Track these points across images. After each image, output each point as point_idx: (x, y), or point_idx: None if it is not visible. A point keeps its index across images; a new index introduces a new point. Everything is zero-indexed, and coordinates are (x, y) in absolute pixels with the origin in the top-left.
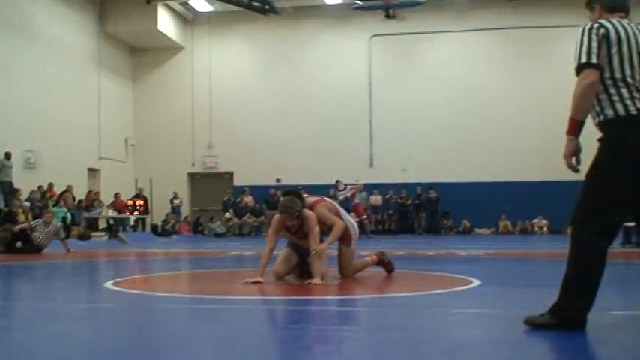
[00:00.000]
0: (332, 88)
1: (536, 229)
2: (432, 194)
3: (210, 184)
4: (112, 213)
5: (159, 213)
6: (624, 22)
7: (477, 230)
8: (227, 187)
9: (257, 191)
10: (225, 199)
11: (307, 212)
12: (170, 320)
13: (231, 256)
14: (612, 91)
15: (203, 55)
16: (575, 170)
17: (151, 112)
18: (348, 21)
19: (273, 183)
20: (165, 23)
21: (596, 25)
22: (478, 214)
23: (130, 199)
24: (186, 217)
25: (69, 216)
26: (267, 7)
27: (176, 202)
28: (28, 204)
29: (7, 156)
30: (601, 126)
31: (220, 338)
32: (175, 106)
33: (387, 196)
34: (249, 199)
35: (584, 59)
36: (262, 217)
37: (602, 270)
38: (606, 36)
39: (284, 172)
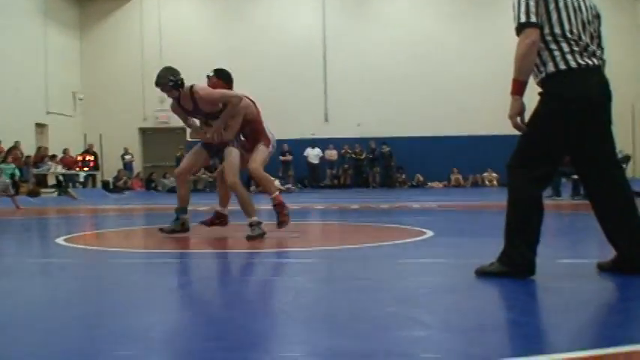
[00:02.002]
0: (286, 43)
1: (487, 182)
2: (385, 149)
3: (162, 140)
4: (61, 169)
5: (110, 169)
6: None
7: (429, 184)
8: (180, 143)
9: None
10: (178, 154)
11: (203, 88)
12: (122, 274)
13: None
14: (553, 46)
15: (153, 7)
16: (521, 129)
17: (100, 64)
18: None
19: None
20: None
21: None
22: (431, 169)
23: (80, 155)
24: (138, 173)
25: (17, 172)
26: None
27: (127, 157)
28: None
29: None
30: (542, 82)
31: (171, 291)
32: (125, 59)
33: (342, 151)
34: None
35: (523, 19)
36: (215, 173)
37: (541, 215)
38: None
39: None
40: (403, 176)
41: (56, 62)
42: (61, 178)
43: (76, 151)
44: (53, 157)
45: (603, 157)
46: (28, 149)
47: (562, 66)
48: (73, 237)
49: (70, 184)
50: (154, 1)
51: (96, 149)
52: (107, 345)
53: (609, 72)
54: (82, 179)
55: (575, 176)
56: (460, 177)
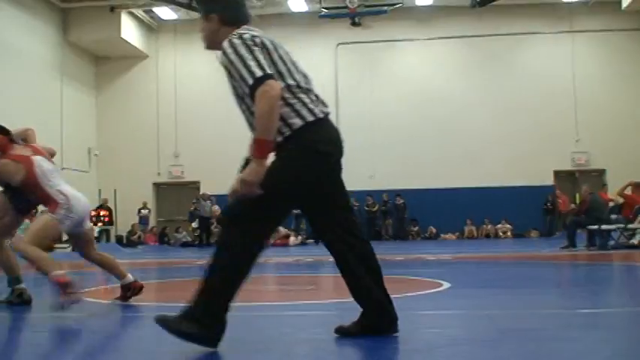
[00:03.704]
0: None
1: (501, 233)
2: (399, 201)
3: (176, 194)
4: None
5: (124, 223)
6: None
7: (443, 236)
8: (193, 197)
9: (224, 200)
10: (192, 208)
11: None
12: (136, 328)
13: (197, 266)
14: (293, 100)
15: (168, 64)
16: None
17: (115, 121)
18: (313, 29)
19: None
20: (130, 31)
21: (247, 36)
22: (444, 220)
23: (94, 210)
24: (152, 228)
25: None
26: None
27: (144, 211)
28: None
29: None
30: (287, 138)
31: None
32: (140, 115)
33: (354, 204)
34: (215, 208)
35: (259, 73)
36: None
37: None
38: (264, 44)
39: None
40: (416, 228)
41: (72, 119)
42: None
43: (90, 207)
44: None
45: (348, 206)
46: None
47: (310, 117)
48: (90, 291)
49: None
50: (169, 57)
51: (110, 204)
52: None
53: None
54: (96, 234)
55: (591, 227)
56: (473, 228)
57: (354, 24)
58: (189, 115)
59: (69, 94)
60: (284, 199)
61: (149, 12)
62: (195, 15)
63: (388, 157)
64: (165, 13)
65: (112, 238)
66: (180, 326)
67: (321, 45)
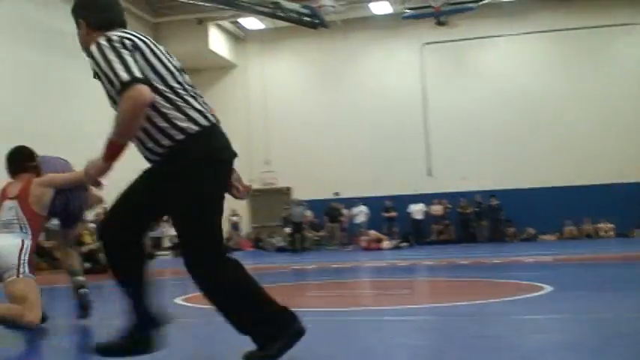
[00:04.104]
0: (386, 99)
1: (602, 233)
2: (494, 201)
3: (269, 200)
4: (173, 232)
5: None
6: (136, 32)
7: (541, 237)
8: (286, 202)
9: (316, 205)
10: (284, 214)
11: None
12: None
13: (292, 270)
14: (181, 103)
15: (256, 72)
16: (98, 185)
17: None
18: (398, 30)
19: (331, 197)
20: (218, 42)
21: (116, 37)
22: (541, 220)
23: None
24: (248, 234)
25: None
26: (317, 21)
27: (234, 218)
28: (93, 225)
29: None
30: (181, 144)
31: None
32: (231, 124)
33: (446, 206)
34: (307, 213)
35: (125, 77)
36: (322, 231)
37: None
38: (136, 46)
39: (342, 185)
40: (512, 229)
41: None
42: (174, 240)
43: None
44: (167, 220)
45: None
46: None
47: (204, 122)
48: (192, 297)
49: None
50: (257, 66)
51: None
52: None
53: None
54: None
55: None
56: (574, 228)
57: (439, 23)
58: (279, 122)
59: None
60: (213, 208)
61: (235, 23)
62: (281, 23)
63: (480, 157)
64: (252, 23)
65: None
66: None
67: (405, 46)
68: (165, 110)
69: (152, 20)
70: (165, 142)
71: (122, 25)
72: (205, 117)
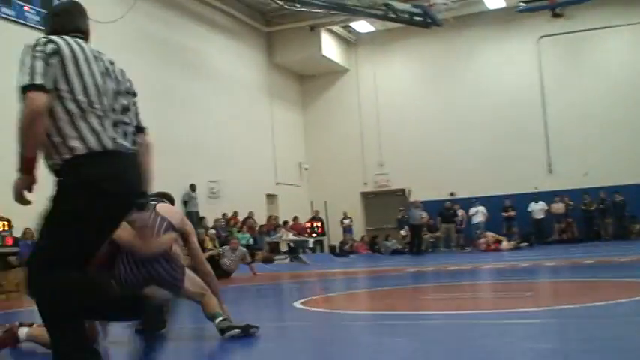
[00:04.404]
0: (501, 95)
1: None
2: (618, 198)
3: (383, 202)
4: (291, 236)
5: (335, 234)
6: (80, 41)
7: None
8: (400, 204)
9: (431, 206)
10: (399, 216)
11: None
12: (359, 336)
13: (409, 273)
14: (79, 120)
15: (368, 75)
16: (26, 203)
17: (321, 135)
18: (512, 25)
19: (446, 197)
20: (330, 48)
21: (42, 41)
22: None
23: (308, 222)
24: (362, 237)
25: (251, 241)
26: (428, 20)
27: (346, 221)
28: (213, 232)
29: (193, 188)
30: (67, 163)
31: (405, 354)
32: (344, 128)
33: (568, 203)
34: (424, 215)
35: (27, 80)
36: (438, 232)
37: None
38: (58, 52)
39: (457, 185)
40: (637, 226)
41: (282, 136)
42: (292, 244)
43: (304, 219)
44: (285, 223)
45: None
46: (260, 219)
47: (96, 147)
48: (309, 300)
49: (301, 250)
50: (369, 69)
51: (322, 215)
52: None
53: None
54: (310, 245)
55: None
56: None
57: (555, 15)
58: (391, 124)
59: (278, 114)
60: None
61: (347, 27)
62: (392, 25)
63: (602, 152)
64: (363, 26)
65: (326, 248)
66: None
67: (521, 41)
68: (61, 124)
69: (265, 30)
70: (56, 159)
71: (76, 30)
72: (100, 141)
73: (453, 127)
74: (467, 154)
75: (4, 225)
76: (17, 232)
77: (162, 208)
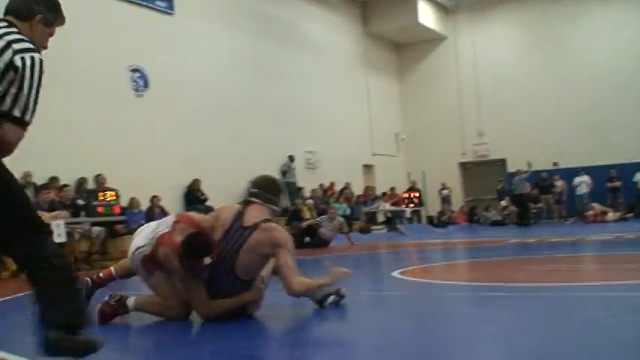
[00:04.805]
0: (606, 61)
1: None
2: None
3: (482, 172)
4: (388, 206)
5: (433, 204)
6: None
7: None
8: (500, 174)
9: (532, 177)
10: (499, 187)
11: None
12: (458, 307)
13: (510, 245)
14: None
15: (466, 42)
16: None
17: (418, 105)
18: None
19: (549, 167)
20: (426, 15)
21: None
22: None
23: (405, 192)
24: (461, 207)
25: (348, 211)
26: None
27: (444, 192)
28: (311, 202)
29: (291, 158)
30: None
31: (505, 324)
32: (442, 97)
33: None
34: (527, 185)
35: (26, 118)
36: (540, 204)
37: None
38: None
39: (560, 154)
40: None
41: (379, 106)
42: (389, 215)
43: (400, 189)
44: (384, 194)
45: None
46: (357, 189)
47: None
48: (406, 270)
49: (398, 221)
50: (467, 36)
51: (419, 186)
52: None
53: None
54: (408, 215)
55: None
56: None
57: None
58: (491, 93)
59: (374, 83)
60: None
61: None
62: None
63: None
64: None
65: (423, 219)
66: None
67: (627, 3)
68: None
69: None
70: None
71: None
72: None
73: (554, 95)
74: (570, 122)
75: (111, 195)
76: (124, 202)
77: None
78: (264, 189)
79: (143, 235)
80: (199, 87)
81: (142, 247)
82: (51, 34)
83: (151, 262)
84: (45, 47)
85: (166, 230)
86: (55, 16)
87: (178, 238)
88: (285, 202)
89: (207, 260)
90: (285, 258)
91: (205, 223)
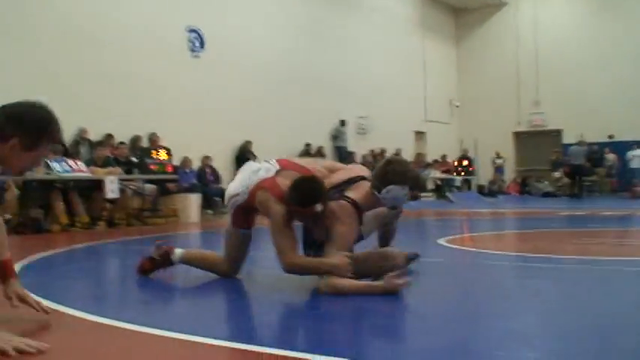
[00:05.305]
0: None
1: None
2: None
3: (536, 143)
4: (439, 174)
5: (484, 173)
6: None
7: None
8: (555, 145)
9: (586, 150)
10: (554, 157)
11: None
12: (502, 277)
13: (560, 217)
14: None
15: (527, 9)
16: None
17: (474, 72)
18: None
19: (605, 139)
20: None
21: None
22: None
23: (456, 160)
24: (514, 178)
25: None
26: None
27: (498, 161)
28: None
29: (342, 123)
30: None
31: (552, 296)
32: (499, 64)
33: None
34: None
35: None
36: (594, 176)
37: None
38: None
39: (616, 127)
40: None
41: (434, 72)
42: (439, 182)
43: (452, 157)
44: (435, 162)
45: None
46: (408, 156)
47: None
48: (453, 238)
49: (448, 188)
50: (528, 2)
51: (471, 154)
52: (486, 344)
53: None
54: (458, 184)
55: None
56: None
57: None
58: (550, 62)
59: (431, 48)
60: None
61: None
62: None
63: None
64: None
65: (474, 188)
66: None
67: None
68: None
69: None
70: None
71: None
72: None
73: (614, 66)
74: (627, 94)
75: (164, 153)
76: (176, 161)
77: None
78: (377, 178)
79: (238, 182)
80: (254, 49)
81: (236, 195)
82: (38, 156)
83: (243, 214)
84: (27, 169)
85: (267, 176)
86: (36, 141)
87: (285, 183)
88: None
89: (319, 207)
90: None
91: (316, 172)
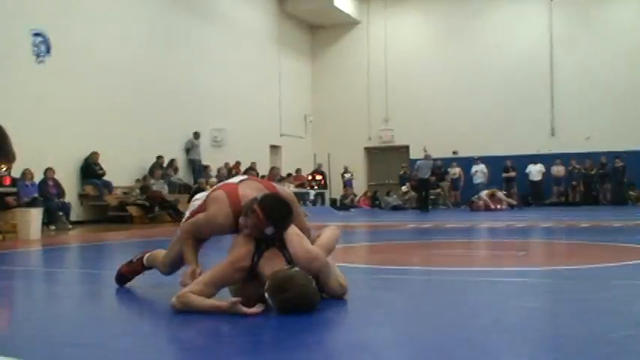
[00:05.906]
0: (509, 56)
1: None
2: (619, 163)
3: (386, 158)
4: (293, 187)
5: (337, 187)
6: None
7: None
8: (403, 160)
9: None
10: (402, 172)
11: None
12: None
13: (408, 229)
14: None
15: (379, 29)
16: None
17: (328, 88)
18: None
19: (450, 155)
20: None
21: None
22: None
23: (310, 174)
24: (365, 192)
25: None
26: None
27: (347, 175)
28: (215, 180)
29: (196, 135)
30: None
31: (396, 307)
32: (352, 81)
33: (569, 167)
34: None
35: None
36: (439, 190)
37: None
38: None
39: (461, 143)
40: (637, 192)
41: (289, 87)
42: None
43: (306, 171)
44: (289, 175)
45: None
46: (263, 169)
47: None
48: None
49: (301, 202)
50: (380, 22)
51: (325, 169)
52: None
53: None
54: (312, 197)
55: None
56: None
57: None
58: (399, 81)
59: (287, 63)
60: None
61: None
62: None
63: (606, 118)
64: None
65: (327, 201)
66: None
67: (533, 1)
68: None
69: None
70: None
71: None
72: None
73: (460, 86)
74: (472, 112)
75: (2, 166)
76: (15, 173)
77: None
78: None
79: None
80: (104, 58)
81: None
82: None
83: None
84: None
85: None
86: None
87: (246, 192)
88: (188, 180)
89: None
90: None
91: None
